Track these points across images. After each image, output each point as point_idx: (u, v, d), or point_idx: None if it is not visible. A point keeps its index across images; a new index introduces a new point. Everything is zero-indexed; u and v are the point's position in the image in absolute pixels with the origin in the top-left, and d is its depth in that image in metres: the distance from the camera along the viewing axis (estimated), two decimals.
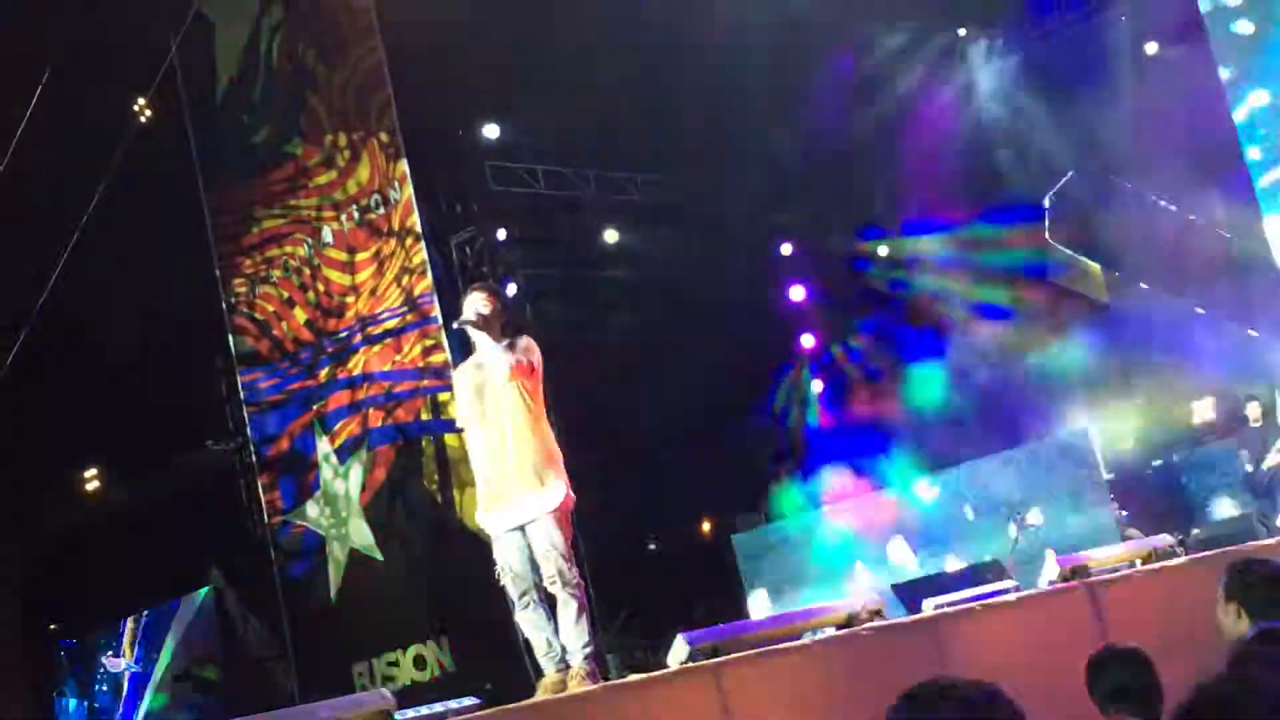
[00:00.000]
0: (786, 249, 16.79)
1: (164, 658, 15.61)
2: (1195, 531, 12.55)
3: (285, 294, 13.32)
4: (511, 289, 13.94)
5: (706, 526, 16.57)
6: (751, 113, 14.64)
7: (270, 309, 13.42)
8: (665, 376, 14.73)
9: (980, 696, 2.56)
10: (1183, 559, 8.03)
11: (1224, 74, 13.92)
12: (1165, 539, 8.59)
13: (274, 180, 13.31)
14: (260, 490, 13.46)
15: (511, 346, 6.39)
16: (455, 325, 6.59)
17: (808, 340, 17.08)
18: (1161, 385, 14.53)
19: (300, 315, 13.23)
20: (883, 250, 16.99)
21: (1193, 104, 15.20)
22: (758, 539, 14.75)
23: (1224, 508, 12.99)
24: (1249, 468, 13.28)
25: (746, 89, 14.35)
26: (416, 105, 12.59)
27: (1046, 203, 14.86)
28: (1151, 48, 15.35)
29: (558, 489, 6.25)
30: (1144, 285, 15.63)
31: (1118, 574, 7.57)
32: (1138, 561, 7.89)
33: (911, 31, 15.24)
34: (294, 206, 13.21)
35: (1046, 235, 15.39)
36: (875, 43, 15.17)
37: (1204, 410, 13.55)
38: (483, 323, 6.39)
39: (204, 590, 15.42)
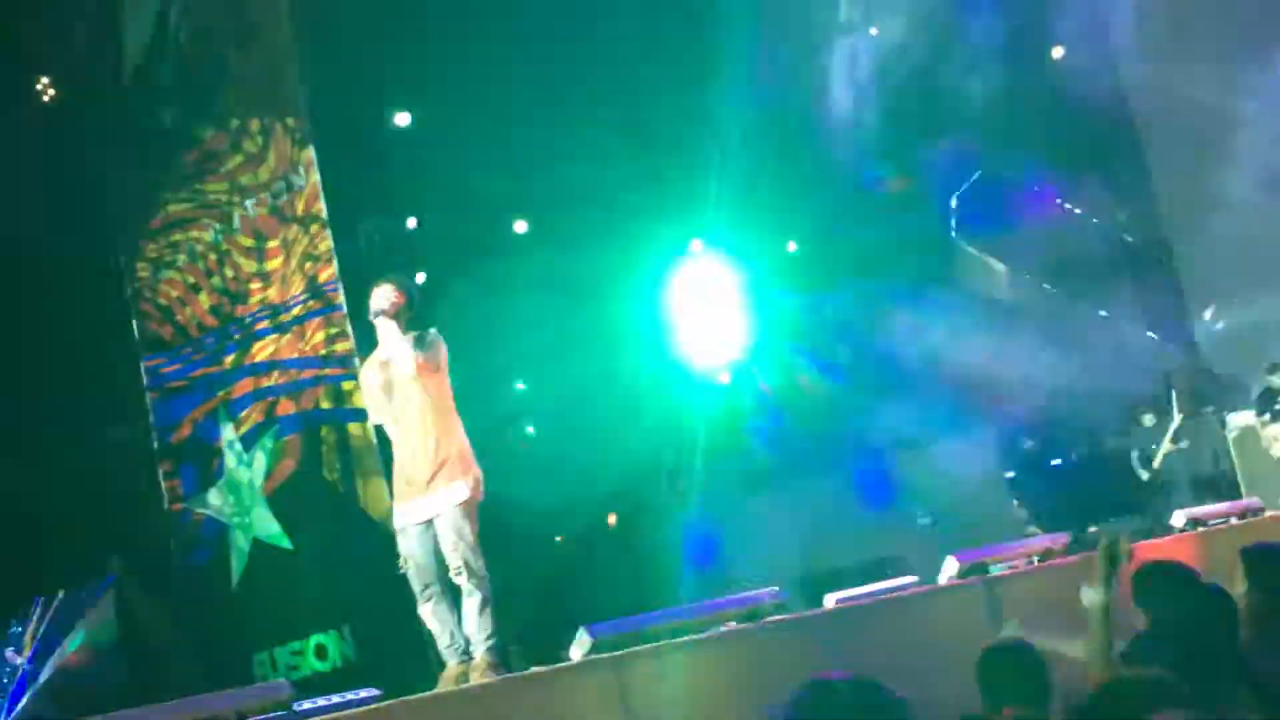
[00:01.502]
0: (697, 245, 16.83)
1: (46, 670, 15.24)
2: (1092, 529, 12.80)
3: (190, 279, 13.15)
4: (421, 278, 13.88)
5: (614, 519, 16.59)
6: (666, 105, 14.65)
7: (174, 294, 13.25)
8: (575, 368, 14.73)
9: (861, 694, 2.60)
10: (1078, 557, 8.19)
11: None
12: (1062, 537, 8.76)
13: (181, 164, 13.13)
14: (161, 477, 13.30)
15: (418, 341, 6.39)
16: (370, 318, 6.57)
17: None
18: (1061, 386, 14.77)
19: (205, 301, 13.08)
20: (790, 246, 17.11)
21: (1099, 110, 15.47)
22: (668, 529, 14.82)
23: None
24: (1142, 471, 13.59)
25: (662, 80, 14.39)
26: (326, 90, 12.48)
27: (953, 202, 15.03)
28: (1057, 51, 15.60)
29: (466, 483, 6.28)
30: (1047, 286, 15.88)
31: (1015, 571, 7.71)
32: (1035, 559, 8.04)
33: (817, 30, 15.33)
34: (201, 191, 13.04)
35: (953, 234, 15.56)
36: (784, 40, 15.26)
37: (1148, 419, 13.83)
38: (390, 315, 6.39)
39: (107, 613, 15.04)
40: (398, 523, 6.40)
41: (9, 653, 15.93)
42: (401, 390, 6.35)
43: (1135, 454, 13.71)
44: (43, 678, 15.20)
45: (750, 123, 14.84)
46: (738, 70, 14.41)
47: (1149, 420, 13.77)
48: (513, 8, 13.27)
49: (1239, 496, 11.46)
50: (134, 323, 13.41)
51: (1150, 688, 3.06)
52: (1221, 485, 13.22)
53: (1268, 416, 13.18)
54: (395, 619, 10.07)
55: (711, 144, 14.90)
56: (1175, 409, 13.64)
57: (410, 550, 6.31)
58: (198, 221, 13.08)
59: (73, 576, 15.30)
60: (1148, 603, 4.56)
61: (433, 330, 6.64)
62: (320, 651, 12.30)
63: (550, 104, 14.05)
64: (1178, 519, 9.44)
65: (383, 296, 6.48)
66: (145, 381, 13.36)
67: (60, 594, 15.49)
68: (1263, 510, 9.79)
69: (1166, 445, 13.46)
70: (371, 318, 6.51)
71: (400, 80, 13.58)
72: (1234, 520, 9.39)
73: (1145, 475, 13.56)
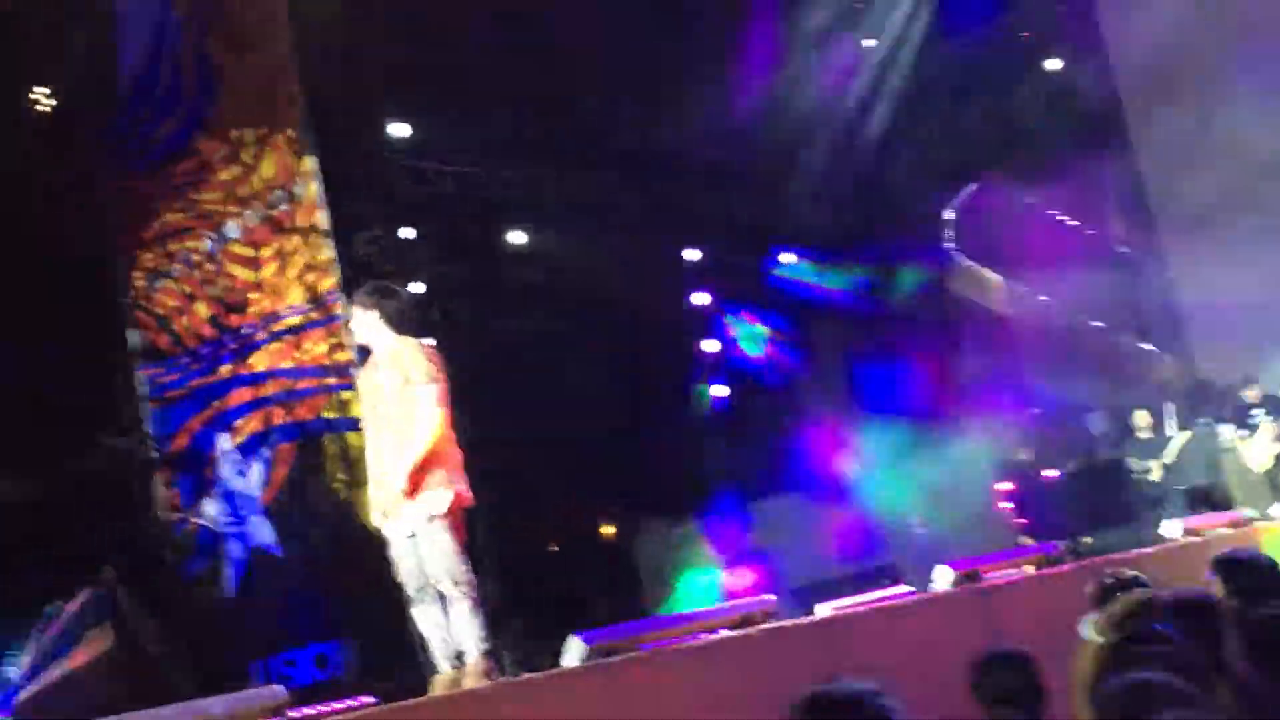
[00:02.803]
0: (695, 254, 16.86)
1: (39, 683, 15.12)
2: (1085, 540, 12.82)
3: (187, 289, 13.15)
4: (419, 288, 13.91)
5: (610, 529, 16.60)
6: (664, 115, 14.69)
7: (171, 304, 13.25)
8: (572, 378, 14.73)
9: (864, 700, 2.63)
10: (1071, 566, 8.22)
11: None
12: (1056, 546, 8.79)
13: (176, 173, 13.13)
14: (157, 487, 13.29)
15: (414, 349, 6.41)
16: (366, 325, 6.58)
17: (712, 346, 17.16)
18: (1058, 396, 14.79)
19: (202, 310, 13.08)
20: (788, 259, 17.14)
21: (1093, 125, 15.51)
22: (663, 543, 14.80)
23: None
24: (1142, 474, 13.58)
25: (660, 92, 14.42)
26: (325, 101, 12.49)
27: (950, 214, 15.05)
28: (1053, 64, 15.65)
29: (448, 491, 6.27)
30: (1043, 298, 15.89)
31: (1009, 579, 7.73)
32: (1029, 568, 8.06)
33: (820, 38, 15.38)
34: (196, 201, 13.04)
35: (950, 246, 15.59)
36: (788, 47, 15.31)
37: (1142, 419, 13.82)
38: (388, 323, 6.41)
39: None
40: (385, 530, 6.42)
41: (9, 667, 15.85)
42: (392, 398, 6.36)
43: (1131, 463, 13.73)
44: (37, 691, 15.13)
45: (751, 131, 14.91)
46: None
47: (1144, 431, 13.79)
48: (510, 18, 13.30)
49: (1232, 507, 11.49)
50: (130, 332, 13.41)
51: (1149, 688, 3.07)
52: (1216, 496, 13.23)
53: (1246, 432, 13.24)
54: (394, 627, 10.07)
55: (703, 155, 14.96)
56: (1174, 423, 13.67)
57: (399, 555, 6.33)
58: (193, 231, 13.08)
59: (66, 588, 15.25)
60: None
61: (430, 339, 6.68)
62: (319, 660, 12.29)
63: (551, 115, 14.10)
64: (1171, 529, 9.47)
65: (378, 304, 6.50)
66: (143, 391, 13.35)
67: (53, 606, 15.44)
68: (1252, 521, 9.85)
69: (1169, 457, 13.48)
70: (368, 325, 6.52)
71: (400, 91, 13.63)
72: (1224, 530, 9.42)
73: (1141, 472, 13.51)
